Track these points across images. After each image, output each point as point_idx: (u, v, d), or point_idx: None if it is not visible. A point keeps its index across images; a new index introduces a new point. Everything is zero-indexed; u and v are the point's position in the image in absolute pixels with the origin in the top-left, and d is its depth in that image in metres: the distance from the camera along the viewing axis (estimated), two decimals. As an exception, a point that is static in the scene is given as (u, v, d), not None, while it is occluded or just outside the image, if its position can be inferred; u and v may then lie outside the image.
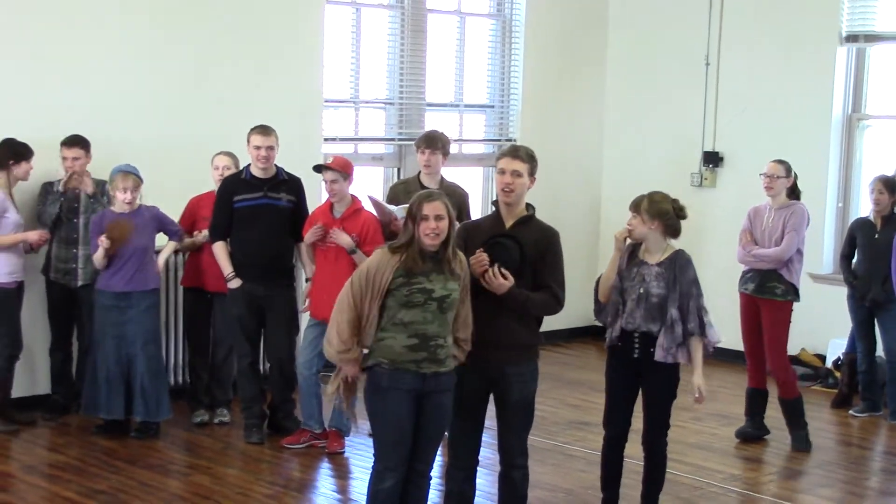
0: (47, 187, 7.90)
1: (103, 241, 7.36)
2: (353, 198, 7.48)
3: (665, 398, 6.06)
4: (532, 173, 5.58)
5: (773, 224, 7.87)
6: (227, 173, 7.95)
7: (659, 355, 5.92)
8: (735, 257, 8.09)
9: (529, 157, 5.57)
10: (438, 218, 5.16)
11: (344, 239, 7.25)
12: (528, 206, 5.67)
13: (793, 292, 7.85)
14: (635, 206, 6.00)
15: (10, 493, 6.61)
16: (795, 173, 8.01)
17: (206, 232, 7.87)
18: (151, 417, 7.69)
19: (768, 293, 7.82)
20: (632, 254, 6.08)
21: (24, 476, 6.94)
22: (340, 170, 7.35)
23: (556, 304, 5.55)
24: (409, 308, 5.15)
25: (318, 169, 7.46)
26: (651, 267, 5.97)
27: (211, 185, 8.05)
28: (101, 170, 7.86)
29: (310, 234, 7.33)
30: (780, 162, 7.96)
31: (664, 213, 5.94)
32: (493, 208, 5.69)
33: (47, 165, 7.87)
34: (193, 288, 8.14)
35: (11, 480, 6.86)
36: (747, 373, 8.10)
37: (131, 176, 7.48)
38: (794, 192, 8.00)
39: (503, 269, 5.38)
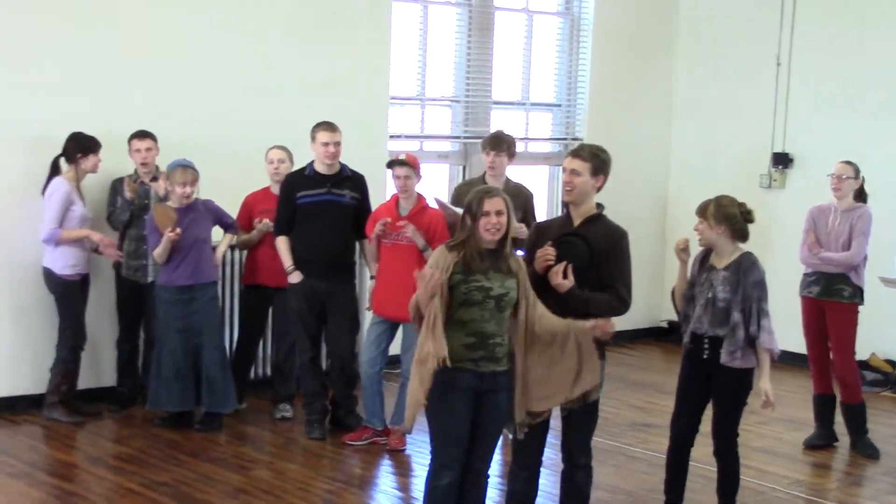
0: (117, 185, 7.99)
1: (173, 234, 7.42)
2: (420, 196, 7.47)
3: (731, 402, 5.99)
4: (596, 172, 5.53)
5: (839, 227, 7.74)
6: (281, 167, 8.00)
7: (724, 358, 5.87)
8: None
9: (592, 156, 5.53)
10: (499, 213, 5.13)
11: (418, 236, 7.22)
12: (598, 205, 5.64)
13: (859, 295, 7.73)
14: (701, 211, 5.95)
15: (76, 484, 6.69)
16: (863, 176, 7.87)
17: (267, 220, 7.91)
18: (219, 408, 7.76)
19: (836, 296, 7.69)
20: (704, 259, 6.03)
21: (88, 467, 7.02)
22: (413, 166, 7.35)
23: (621, 305, 5.50)
24: (468, 306, 5.12)
25: (391, 164, 7.44)
26: (719, 272, 5.93)
27: (266, 181, 8.09)
28: (160, 165, 7.99)
29: (378, 229, 7.32)
30: (849, 163, 7.83)
31: (731, 217, 5.88)
32: (565, 209, 5.67)
33: (116, 163, 7.95)
34: (253, 285, 8.18)
35: (76, 471, 6.94)
36: (812, 379, 7.97)
37: (190, 170, 7.55)
38: (861, 195, 7.86)
39: (566, 269, 5.34)
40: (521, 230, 7.24)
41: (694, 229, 5.99)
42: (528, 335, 5.26)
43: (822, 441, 7.90)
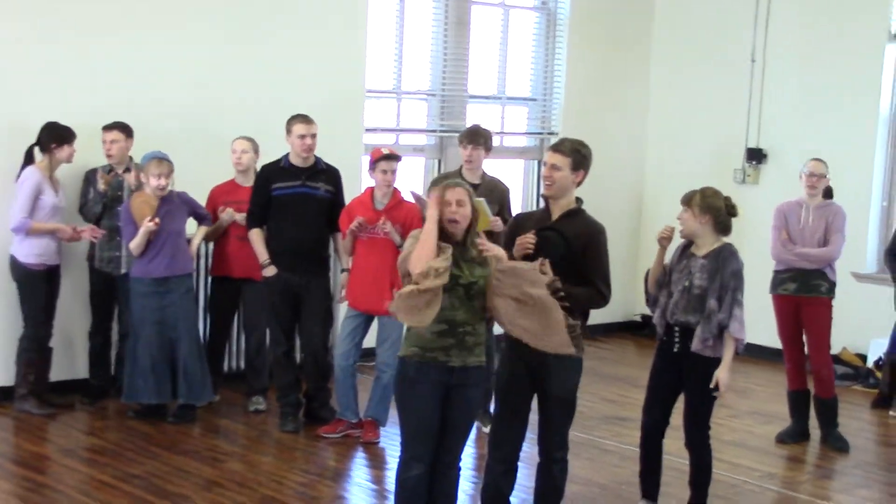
0: (90, 176, 7.95)
1: (152, 224, 7.41)
2: (395, 190, 7.47)
3: (703, 394, 6.00)
4: (577, 167, 5.57)
5: (813, 223, 7.79)
6: (244, 157, 8.03)
7: (695, 346, 5.90)
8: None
9: (573, 151, 5.56)
10: (459, 203, 5.16)
11: (395, 234, 7.22)
12: (577, 199, 5.67)
13: (833, 290, 7.80)
14: (687, 200, 5.99)
15: (48, 476, 6.67)
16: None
17: (230, 210, 7.91)
18: (195, 400, 7.76)
19: (814, 291, 7.74)
20: (685, 248, 6.07)
21: (61, 459, 7.00)
22: (399, 159, 7.38)
23: (601, 299, 5.55)
24: None
25: (382, 159, 7.34)
26: (698, 259, 5.97)
27: (232, 172, 8.11)
28: (135, 157, 7.97)
29: (355, 226, 7.30)
30: (821, 161, 7.91)
31: (716, 208, 5.93)
32: (544, 202, 5.70)
33: (89, 154, 7.92)
34: (220, 277, 8.17)
35: (48, 463, 6.92)
36: (787, 375, 7.99)
37: (165, 162, 7.55)
38: (829, 191, 7.93)
39: (543, 264, 5.36)
40: (496, 223, 7.26)
41: (677, 218, 6.03)
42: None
43: (796, 438, 7.94)
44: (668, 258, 6.16)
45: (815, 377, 7.88)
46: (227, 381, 8.51)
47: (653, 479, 6.27)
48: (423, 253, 5.06)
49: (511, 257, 5.40)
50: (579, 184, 5.63)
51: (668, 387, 6.12)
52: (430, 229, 5.11)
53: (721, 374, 5.91)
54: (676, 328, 5.99)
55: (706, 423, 6.11)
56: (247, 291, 8.10)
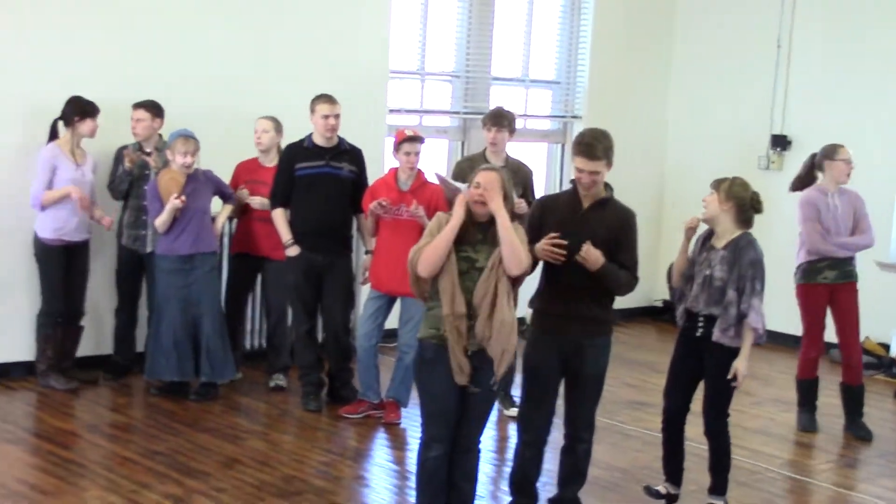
0: (119, 154, 7.98)
1: (178, 201, 7.44)
2: (419, 171, 7.47)
3: (723, 381, 6.00)
4: (610, 164, 5.60)
5: (842, 210, 7.78)
6: (264, 137, 8.03)
7: (716, 335, 5.91)
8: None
9: (605, 152, 5.57)
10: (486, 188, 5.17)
11: (425, 220, 7.18)
12: (607, 186, 5.70)
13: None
14: (717, 184, 6.00)
15: (73, 451, 6.71)
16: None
17: (245, 191, 7.96)
18: (218, 378, 7.78)
19: (850, 277, 7.79)
20: (706, 239, 6.07)
21: (85, 434, 7.03)
22: (423, 141, 7.38)
23: (634, 282, 5.69)
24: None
25: (406, 141, 7.33)
26: (718, 251, 5.96)
27: (255, 151, 8.13)
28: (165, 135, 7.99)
29: (375, 207, 7.32)
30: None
31: (740, 198, 5.92)
32: (572, 185, 5.71)
33: (121, 131, 7.95)
34: (240, 254, 8.18)
35: (73, 438, 6.95)
36: (808, 364, 7.92)
37: (191, 140, 7.56)
38: None
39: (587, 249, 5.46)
40: (520, 205, 7.25)
41: (703, 200, 6.03)
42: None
43: (814, 423, 7.95)
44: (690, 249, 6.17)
45: (845, 364, 7.87)
46: (248, 360, 8.54)
47: (675, 464, 6.28)
48: (433, 257, 5.12)
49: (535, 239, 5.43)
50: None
51: (689, 372, 6.12)
52: (447, 235, 5.13)
53: (739, 365, 5.91)
54: (700, 317, 5.99)
55: (725, 410, 6.11)
56: (266, 270, 8.13)
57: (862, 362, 7.97)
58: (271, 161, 8.02)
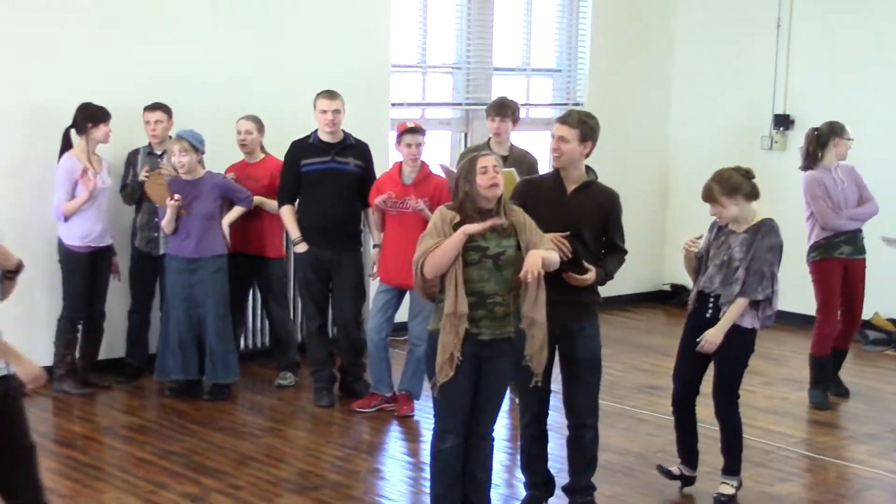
0: (131, 157, 8.01)
1: (173, 202, 7.48)
2: (423, 163, 7.48)
3: (732, 362, 6.03)
4: (584, 139, 5.59)
5: (847, 184, 7.90)
6: (248, 138, 8.05)
7: (721, 313, 5.93)
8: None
9: (580, 123, 5.58)
10: (494, 168, 5.17)
11: (426, 211, 7.20)
12: (589, 170, 5.71)
13: None
14: (708, 196, 5.91)
15: (89, 454, 6.73)
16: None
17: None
18: (220, 379, 7.80)
19: (863, 251, 7.96)
20: (722, 227, 6.06)
21: (101, 437, 7.07)
22: (423, 133, 7.38)
23: (624, 255, 5.78)
24: (466, 267, 5.15)
25: (406, 132, 7.36)
26: (738, 235, 5.95)
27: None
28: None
29: (381, 201, 7.34)
30: None
31: (738, 185, 5.90)
32: (553, 170, 5.74)
33: (131, 135, 8.01)
34: (234, 253, 8.03)
35: (90, 442, 6.98)
36: (822, 340, 7.97)
37: (184, 141, 7.56)
38: None
39: (583, 264, 5.50)
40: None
41: (711, 214, 5.99)
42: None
43: (828, 402, 7.98)
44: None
45: (845, 332, 8.03)
46: (251, 358, 8.55)
47: (688, 446, 6.29)
48: (440, 263, 5.12)
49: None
50: (587, 155, 5.67)
51: (698, 353, 6.08)
52: (456, 242, 5.10)
53: (711, 333, 5.92)
54: (711, 297, 5.99)
55: (735, 391, 6.11)
56: (262, 268, 8.15)
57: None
58: (256, 157, 8.05)
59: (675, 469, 6.32)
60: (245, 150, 8.11)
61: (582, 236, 5.54)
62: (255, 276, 8.30)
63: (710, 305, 6.00)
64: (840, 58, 10.24)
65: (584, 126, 5.58)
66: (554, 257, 5.23)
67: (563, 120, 5.64)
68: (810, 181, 7.87)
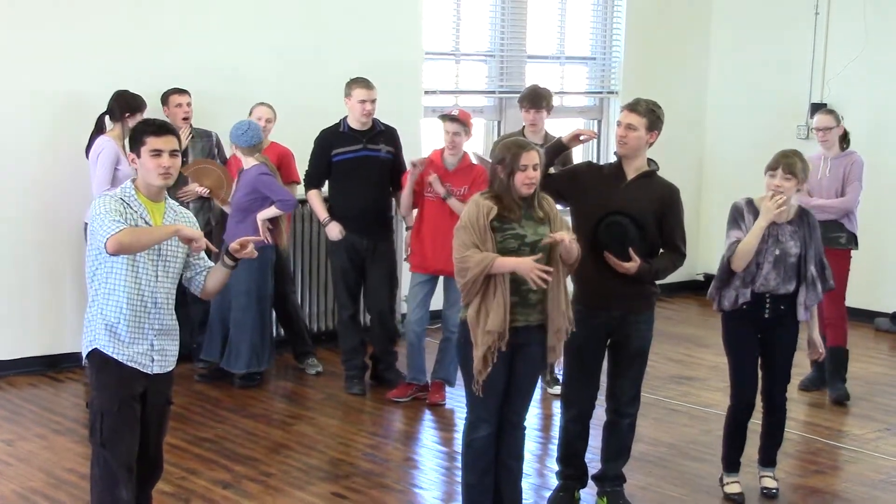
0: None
1: (202, 190, 7.63)
2: (465, 153, 7.45)
3: (790, 354, 5.98)
4: (651, 128, 5.57)
5: (831, 174, 7.77)
6: (269, 126, 8.04)
7: (801, 314, 5.82)
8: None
9: (648, 112, 5.56)
10: (535, 167, 5.14)
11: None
12: (651, 161, 5.67)
13: (854, 241, 7.80)
14: (789, 168, 5.68)
15: (120, 440, 6.74)
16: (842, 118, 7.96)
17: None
18: (228, 366, 7.83)
19: (833, 243, 7.59)
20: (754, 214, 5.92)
21: (132, 423, 7.08)
22: (465, 123, 7.33)
23: (681, 260, 5.64)
24: (503, 254, 5.11)
25: (443, 118, 7.36)
26: (784, 226, 5.80)
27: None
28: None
29: (435, 180, 7.28)
30: (829, 112, 7.96)
31: (806, 172, 5.82)
32: (616, 158, 5.68)
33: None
34: None
35: (121, 427, 6.99)
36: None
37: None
38: (845, 140, 7.90)
39: (630, 250, 5.43)
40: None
41: (775, 187, 5.70)
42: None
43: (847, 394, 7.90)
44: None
45: (828, 326, 7.78)
46: (282, 347, 8.54)
47: (738, 454, 6.10)
48: (481, 272, 5.05)
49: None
50: (651, 144, 5.63)
51: (755, 357, 5.94)
52: (504, 266, 5.01)
53: (817, 337, 5.94)
54: (767, 296, 5.81)
55: (790, 379, 6.07)
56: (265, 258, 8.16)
57: (846, 326, 7.95)
58: (265, 144, 7.98)
59: (732, 486, 6.06)
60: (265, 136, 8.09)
61: (637, 221, 5.48)
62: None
63: (768, 306, 5.84)
64: (878, 46, 10.12)
65: (652, 115, 5.56)
66: (576, 246, 5.18)
67: (631, 108, 5.58)
68: (859, 163, 7.84)
